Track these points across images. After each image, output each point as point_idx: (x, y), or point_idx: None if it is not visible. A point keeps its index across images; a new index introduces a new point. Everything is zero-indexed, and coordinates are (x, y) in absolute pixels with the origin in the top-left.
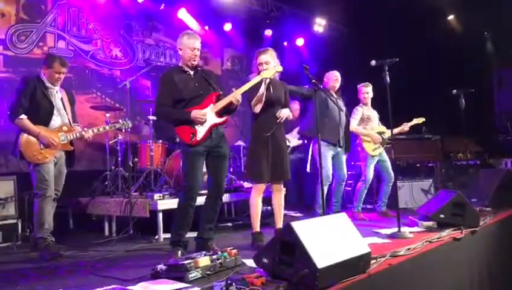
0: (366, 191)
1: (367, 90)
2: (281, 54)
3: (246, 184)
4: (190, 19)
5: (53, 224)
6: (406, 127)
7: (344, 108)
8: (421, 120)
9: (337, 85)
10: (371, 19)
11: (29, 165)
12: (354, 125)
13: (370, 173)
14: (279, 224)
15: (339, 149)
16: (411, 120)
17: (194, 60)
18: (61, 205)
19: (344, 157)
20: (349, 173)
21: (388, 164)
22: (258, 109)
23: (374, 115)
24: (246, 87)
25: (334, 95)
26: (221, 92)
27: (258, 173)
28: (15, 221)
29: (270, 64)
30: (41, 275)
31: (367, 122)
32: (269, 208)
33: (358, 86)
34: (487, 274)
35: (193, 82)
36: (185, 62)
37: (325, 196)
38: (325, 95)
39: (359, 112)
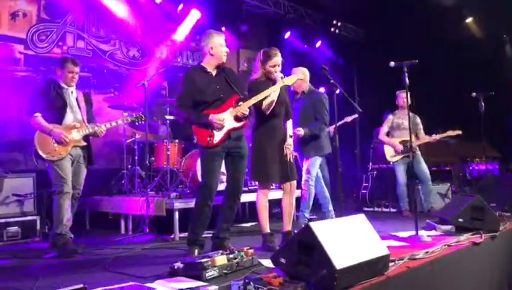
0: (404, 193)
1: (404, 96)
2: (297, 55)
3: None
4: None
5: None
6: (437, 137)
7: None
8: (456, 133)
9: (304, 85)
10: (389, 21)
11: (45, 163)
12: (380, 134)
13: (400, 177)
14: (287, 226)
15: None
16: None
17: (225, 56)
18: (78, 203)
19: (324, 160)
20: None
21: (423, 165)
22: (269, 112)
23: (406, 122)
24: (263, 95)
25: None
26: (241, 96)
27: (263, 174)
28: (34, 217)
29: (280, 67)
30: (60, 271)
31: (395, 130)
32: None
33: (397, 92)
34: (507, 280)
35: (215, 84)
36: (213, 61)
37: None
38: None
39: (389, 120)
